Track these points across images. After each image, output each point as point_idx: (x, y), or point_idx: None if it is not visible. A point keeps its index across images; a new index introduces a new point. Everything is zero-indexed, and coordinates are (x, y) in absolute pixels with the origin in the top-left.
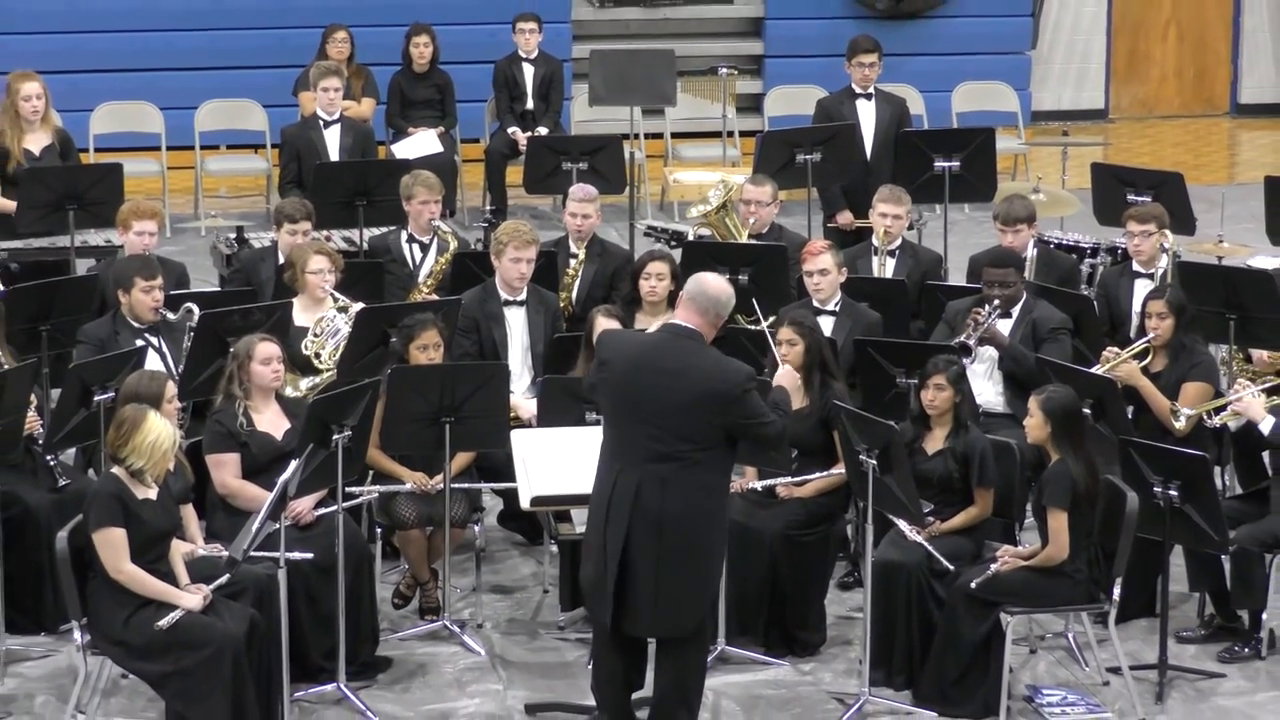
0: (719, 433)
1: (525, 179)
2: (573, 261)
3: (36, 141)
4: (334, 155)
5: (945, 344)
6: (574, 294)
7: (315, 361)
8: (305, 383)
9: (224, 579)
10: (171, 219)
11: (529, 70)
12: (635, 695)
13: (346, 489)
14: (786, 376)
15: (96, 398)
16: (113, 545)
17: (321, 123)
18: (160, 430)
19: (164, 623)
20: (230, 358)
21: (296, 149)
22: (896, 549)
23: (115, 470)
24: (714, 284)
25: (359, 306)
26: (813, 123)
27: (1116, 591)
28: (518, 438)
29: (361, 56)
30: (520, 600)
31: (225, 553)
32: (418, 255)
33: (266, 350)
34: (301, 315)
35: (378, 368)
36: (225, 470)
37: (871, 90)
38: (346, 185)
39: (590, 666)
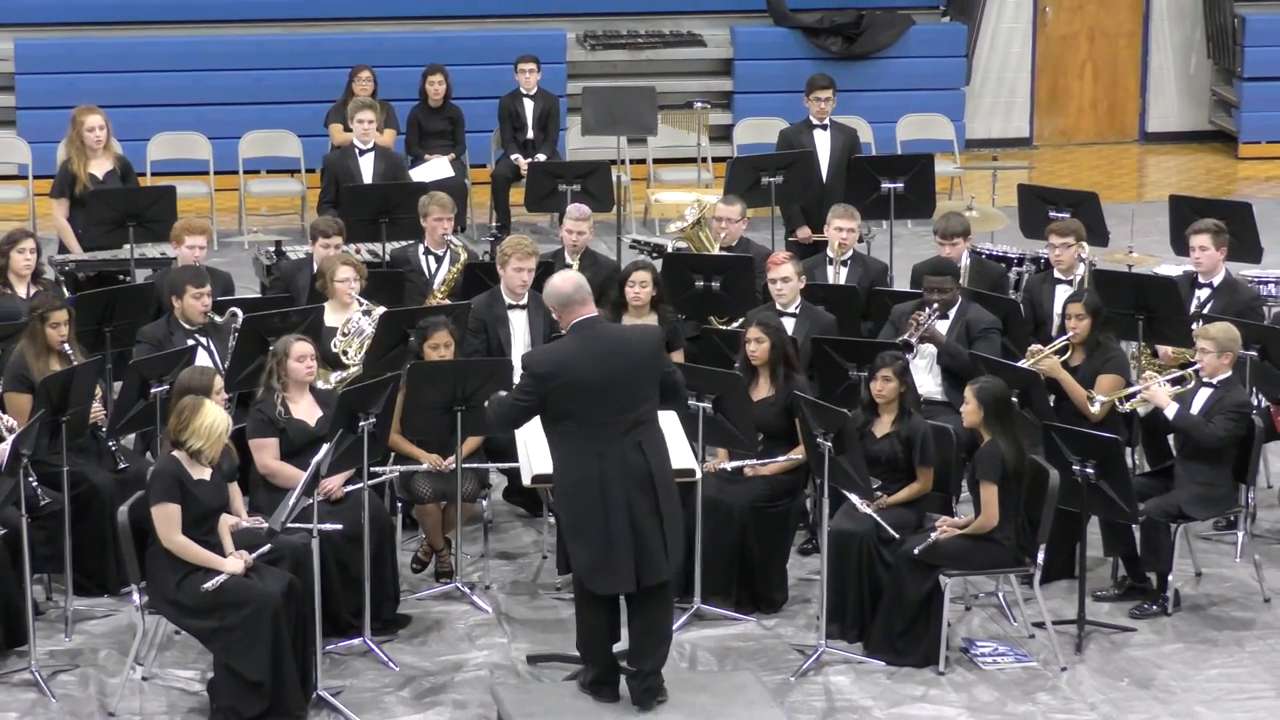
0: (658, 383)
1: (526, 199)
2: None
3: (100, 167)
4: (368, 179)
5: (891, 342)
6: None
7: (343, 358)
8: (335, 376)
9: (265, 548)
10: (219, 234)
11: (529, 105)
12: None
13: (371, 469)
14: None
15: (153, 390)
16: (167, 518)
17: (357, 151)
18: (216, 415)
19: (209, 585)
20: (270, 355)
21: (335, 174)
22: (849, 520)
23: (176, 453)
24: (562, 282)
25: (381, 310)
26: (776, 150)
27: (1040, 556)
28: None
29: (383, 93)
30: (522, 565)
31: (266, 524)
32: (433, 265)
33: (302, 349)
34: (332, 318)
35: (398, 363)
36: (266, 453)
37: (827, 121)
38: (372, 205)
39: (579, 629)
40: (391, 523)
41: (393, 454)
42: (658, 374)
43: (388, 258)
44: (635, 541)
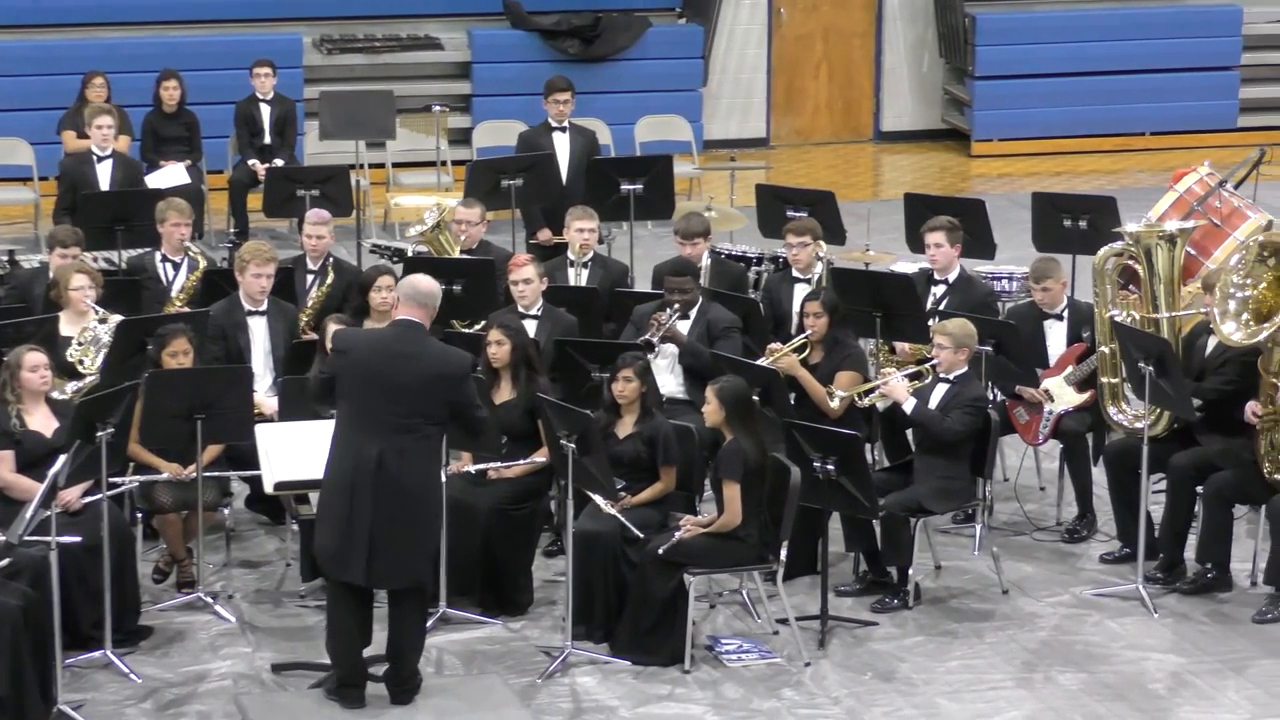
0: (445, 410)
1: (265, 205)
2: (318, 286)
3: None
4: (106, 186)
5: (632, 342)
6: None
7: (80, 368)
8: (71, 386)
9: (3, 561)
10: None
11: (266, 110)
12: (366, 653)
13: (110, 479)
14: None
15: None
16: None
17: (95, 157)
18: None
19: None
20: (3, 366)
21: (73, 180)
22: (594, 520)
23: None
24: (423, 281)
25: (118, 318)
26: (515, 152)
27: (783, 553)
28: (261, 431)
29: (117, 99)
30: (266, 573)
31: (2, 538)
32: (171, 273)
33: (34, 359)
34: (68, 327)
35: (136, 372)
36: (1, 466)
37: (566, 124)
38: (108, 212)
39: (328, 629)
40: (131, 533)
41: (132, 464)
42: (441, 398)
43: (125, 265)
44: (371, 544)
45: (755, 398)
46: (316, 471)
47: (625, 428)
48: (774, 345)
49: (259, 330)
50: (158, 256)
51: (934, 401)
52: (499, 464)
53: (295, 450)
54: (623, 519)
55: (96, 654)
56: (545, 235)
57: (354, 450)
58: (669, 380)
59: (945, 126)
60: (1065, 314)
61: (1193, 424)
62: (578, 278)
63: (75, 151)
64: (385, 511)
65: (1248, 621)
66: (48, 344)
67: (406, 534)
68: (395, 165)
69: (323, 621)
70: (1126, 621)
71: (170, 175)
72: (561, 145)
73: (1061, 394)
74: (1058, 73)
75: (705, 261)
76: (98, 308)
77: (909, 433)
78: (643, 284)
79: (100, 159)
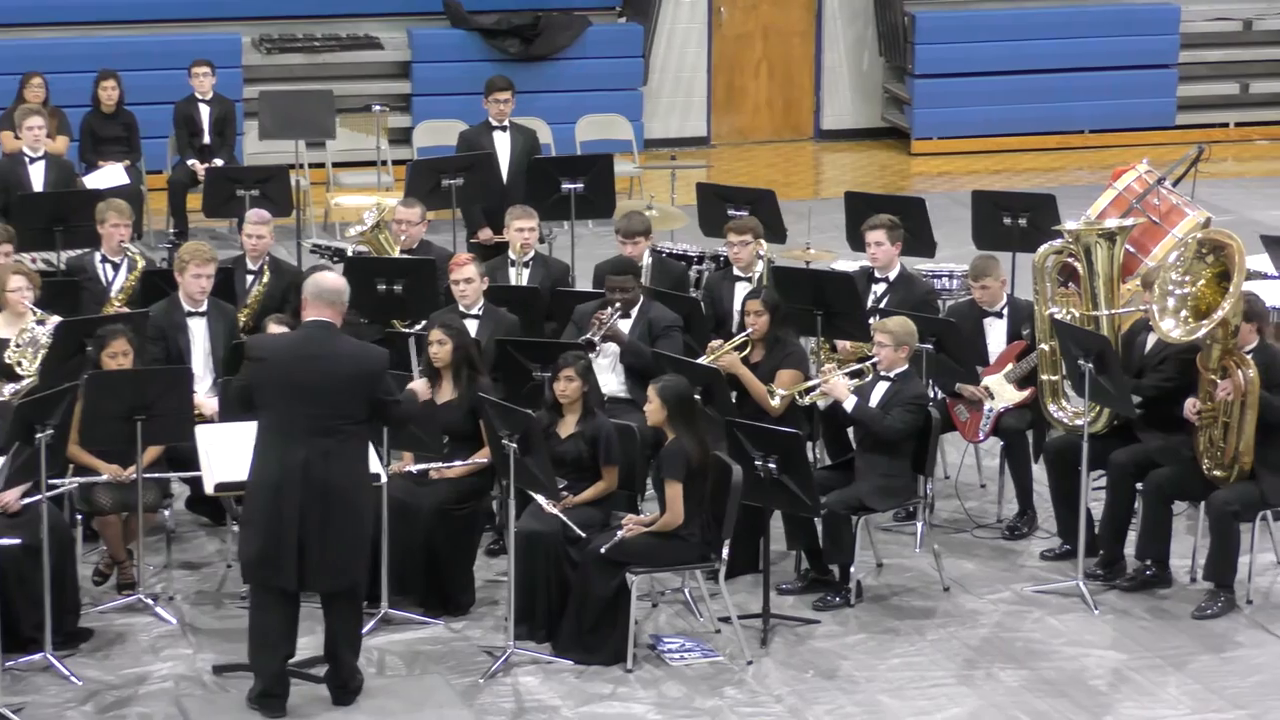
0: (367, 408)
1: (204, 205)
2: (257, 285)
3: None
4: (39, 187)
5: (574, 342)
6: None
7: (18, 369)
8: (9, 388)
9: None
10: None
11: (205, 110)
12: (292, 660)
13: (49, 480)
14: (420, 386)
15: None
16: None
17: (27, 159)
18: None
19: None
20: None
21: (5, 181)
22: (536, 520)
23: None
24: (328, 279)
25: (56, 319)
26: (456, 152)
27: (725, 551)
28: (201, 432)
29: (55, 99)
30: (207, 575)
31: None
32: (110, 273)
33: None
34: (5, 329)
35: (76, 373)
36: None
37: (506, 123)
38: (45, 213)
39: (251, 635)
40: (71, 535)
41: (71, 465)
42: (363, 396)
43: (63, 266)
44: (302, 548)
45: (697, 396)
46: None
47: (567, 427)
48: (715, 343)
49: (199, 331)
50: (97, 257)
51: (875, 399)
52: (440, 464)
53: (235, 451)
54: (565, 518)
55: (36, 656)
56: (486, 235)
57: (278, 455)
58: (611, 379)
59: (885, 125)
60: (1005, 311)
61: (1132, 421)
62: (519, 277)
63: (11, 152)
64: (315, 515)
65: (1187, 617)
66: None
67: (338, 537)
68: (335, 165)
69: None
70: (1067, 618)
71: (109, 176)
72: (502, 144)
73: (1002, 391)
74: (997, 71)
75: (646, 260)
76: (36, 309)
77: (850, 431)
78: (584, 283)
79: (32, 160)
